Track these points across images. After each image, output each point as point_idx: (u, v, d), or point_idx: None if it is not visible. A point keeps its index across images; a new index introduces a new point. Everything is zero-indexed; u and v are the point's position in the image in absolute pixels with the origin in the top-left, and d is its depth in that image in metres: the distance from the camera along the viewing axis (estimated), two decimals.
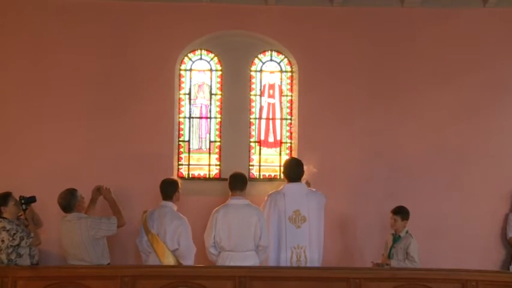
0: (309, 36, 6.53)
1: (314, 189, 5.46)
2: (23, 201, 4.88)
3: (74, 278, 4.56)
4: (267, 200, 5.27)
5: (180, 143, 6.65)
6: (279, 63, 6.82)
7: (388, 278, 4.64)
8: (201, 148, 6.69)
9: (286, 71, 6.81)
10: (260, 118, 6.74)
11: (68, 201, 4.90)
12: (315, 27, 6.53)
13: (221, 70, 6.73)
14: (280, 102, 6.79)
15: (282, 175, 5.91)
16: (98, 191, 5.22)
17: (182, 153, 6.66)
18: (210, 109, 6.71)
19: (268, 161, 6.69)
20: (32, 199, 5.00)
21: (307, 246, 5.17)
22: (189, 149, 6.67)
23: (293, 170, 5.32)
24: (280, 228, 5.16)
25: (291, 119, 6.75)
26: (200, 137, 6.69)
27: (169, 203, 5.08)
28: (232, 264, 4.88)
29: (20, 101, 6.30)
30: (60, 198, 4.93)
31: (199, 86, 6.73)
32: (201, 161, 6.68)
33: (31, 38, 6.38)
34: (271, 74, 6.82)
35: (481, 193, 6.43)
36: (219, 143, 6.67)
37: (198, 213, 5.71)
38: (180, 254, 4.94)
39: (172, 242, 4.92)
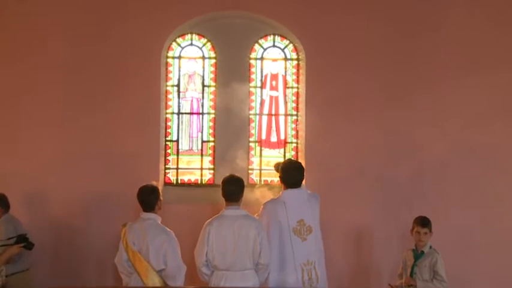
0: (318, 18, 6.50)
1: (309, 192, 5.43)
2: None
3: None
4: (263, 210, 5.21)
5: (167, 143, 6.64)
6: (283, 50, 6.80)
7: None
8: (191, 149, 6.71)
9: (291, 59, 6.78)
10: (261, 114, 6.73)
11: None
12: (325, 8, 6.51)
13: (215, 58, 6.72)
14: (285, 96, 6.77)
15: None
16: None
17: (169, 155, 6.65)
18: (203, 103, 6.70)
19: (270, 164, 6.65)
20: None
21: (317, 261, 5.10)
22: (177, 150, 6.66)
23: (294, 175, 5.25)
24: (283, 243, 5.09)
25: (296, 115, 6.73)
26: (191, 136, 6.70)
27: (152, 215, 4.97)
28: (227, 285, 4.78)
29: None
30: None
31: (189, 76, 6.74)
32: (191, 164, 6.68)
33: None
34: (274, 62, 6.80)
35: None
36: (212, 144, 6.67)
37: (187, 226, 5.63)
38: (167, 275, 4.86)
39: (158, 261, 4.82)
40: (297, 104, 6.72)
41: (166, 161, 6.60)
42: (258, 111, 6.71)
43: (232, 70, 6.62)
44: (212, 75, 6.70)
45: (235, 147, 6.49)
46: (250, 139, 6.68)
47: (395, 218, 6.22)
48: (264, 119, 6.73)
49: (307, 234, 5.12)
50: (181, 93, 6.69)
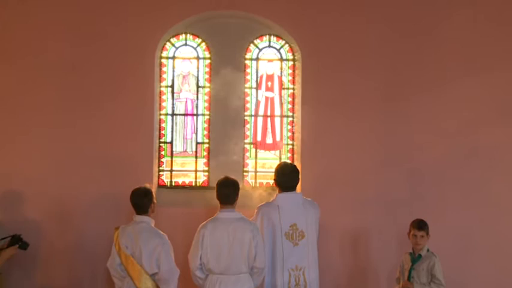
0: (314, 18, 6.46)
1: (309, 199, 5.43)
2: None
3: None
4: (257, 213, 5.23)
5: (161, 144, 6.61)
6: (278, 50, 6.78)
7: None
8: (186, 151, 6.68)
9: (287, 60, 6.77)
10: (256, 115, 6.70)
11: None
12: (321, 8, 6.46)
13: (210, 58, 6.70)
14: (280, 97, 6.74)
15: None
16: None
17: (163, 156, 6.62)
18: (197, 104, 6.67)
19: (265, 166, 6.67)
20: None
21: (307, 267, 5.12)
22: (171, 152, 6.64)
23: (289, 178, 5.28)
24: (275, 247, 5.13)
25: (292, 117, 6.70)
26: (185, 138, 6.67)
27: (145, 218, 4.98)
28: None
29: None
30: None
31: (183, 77, 6.70)
32: (186, 167, 6.65)
33: None
34: (270, 62, 6.78)
35: None
36: (207, 145, 6.64)
37: (181, 229, 5.68)
38: (160, 279, 4.86)
39: (150, 265, 4.82)
40: (293, 105, 6.69)
41: (160, 163, 6.56)
42: (253, 113, 6.68)
43: (227, 71, 6.56)
44: (207, 76, 6.66)
45: (230, 148, 6.49)
46: (246, 141, 6.64)
47: (393, 220, 6.17)
48: (260, 120, 6.69)
49: (299, 239, 5.13)
50: (175, 94, 6.65)
